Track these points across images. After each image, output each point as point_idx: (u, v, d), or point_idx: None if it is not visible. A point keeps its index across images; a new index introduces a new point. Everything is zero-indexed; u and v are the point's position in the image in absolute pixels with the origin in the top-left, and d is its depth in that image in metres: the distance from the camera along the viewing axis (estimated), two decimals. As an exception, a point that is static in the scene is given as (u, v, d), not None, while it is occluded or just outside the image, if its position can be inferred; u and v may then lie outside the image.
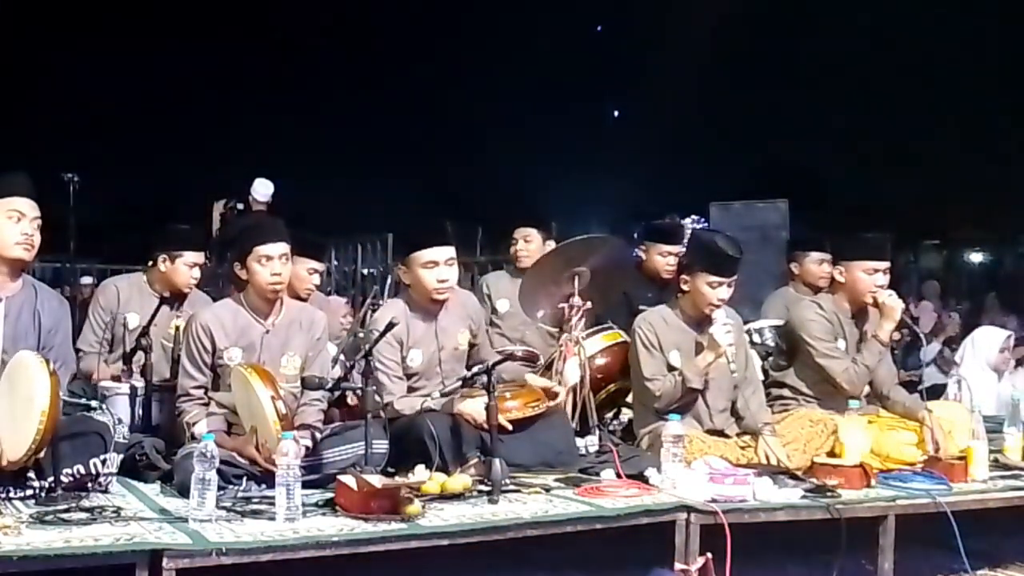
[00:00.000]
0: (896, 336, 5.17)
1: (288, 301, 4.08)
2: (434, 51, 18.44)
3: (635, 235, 5.62)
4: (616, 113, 20.36)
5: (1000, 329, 6.62)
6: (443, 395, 3.98)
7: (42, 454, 3.27)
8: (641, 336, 4.26)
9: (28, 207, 3.57)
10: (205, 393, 3.88)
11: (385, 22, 18.42)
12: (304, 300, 4.93)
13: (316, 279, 5.10)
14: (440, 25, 18.41)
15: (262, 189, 8.89)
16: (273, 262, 3.84)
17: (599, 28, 19.95)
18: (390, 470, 3.69)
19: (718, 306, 4.20)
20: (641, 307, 5.09)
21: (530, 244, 5.15)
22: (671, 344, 4.26)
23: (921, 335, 5.39)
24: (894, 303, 4.40)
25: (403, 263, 4.26)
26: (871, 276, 4.46)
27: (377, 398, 4.02)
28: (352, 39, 18.20)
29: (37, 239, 3.60)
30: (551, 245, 5.16)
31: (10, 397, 3.30)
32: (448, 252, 4.16)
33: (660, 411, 4.17)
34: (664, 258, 5.37)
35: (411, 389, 4.17)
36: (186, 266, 4.73)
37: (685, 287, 4.26)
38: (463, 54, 18.13)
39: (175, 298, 4.72)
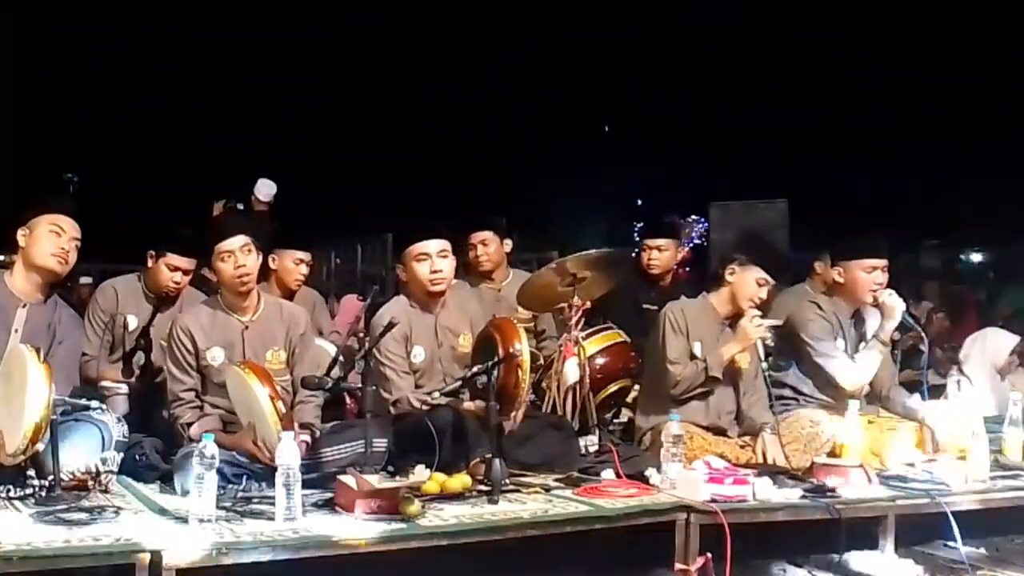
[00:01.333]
0: (896, 336, 5.17)
1: (266, 296, 4.08)
2: (433, 52, 18.45)
3: (635, 235, 5.63)
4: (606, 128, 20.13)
5: (1011, 334, 6.56)
6: (443, 395, 3.98)
7: (40, 447, 3.27)
8: (671, 320, 4.29)
9: (70, 226, 3.85)
10: (197, 396, 3.88)
11: (382, 23, 18.42)
12: (294, 292, 4.95)
13: (304, 269, 5.10)
14: (439, 27, 18.42)
15: (265, 189, 8.87)
16: (234, 256, 3.84)
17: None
18: (390, 469, 3.70)
19: (756, 304, 4.22)
20: (645, 306, 5.11)
21: (489, 247, 5.09)
22: (696, 335, 4.29)
23: (924, 336, 5.39)
24: (895, 302, 4.40)
25: (400, 260, 4.28)
26: (870, 274, 4.46)
27: (385, 395, 4.04)
28: (353, 40, 18.21)
29: (72, 257, 3.86)
30: (509, 244, 5.17)
31: (6, 390, 3.32)
32: (440, 244, 4.18)
33: (675, 397, 4.18)
34: (646, 252, 5.38)
35: (415, 386, 4.18)
36: (167, 267, 4.61)
37: (731, 277, 4.26)
38: (462, 56, 18.13)
39: (171, 298, 4.68)
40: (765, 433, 4.20)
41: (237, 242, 3.86)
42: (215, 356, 3.85)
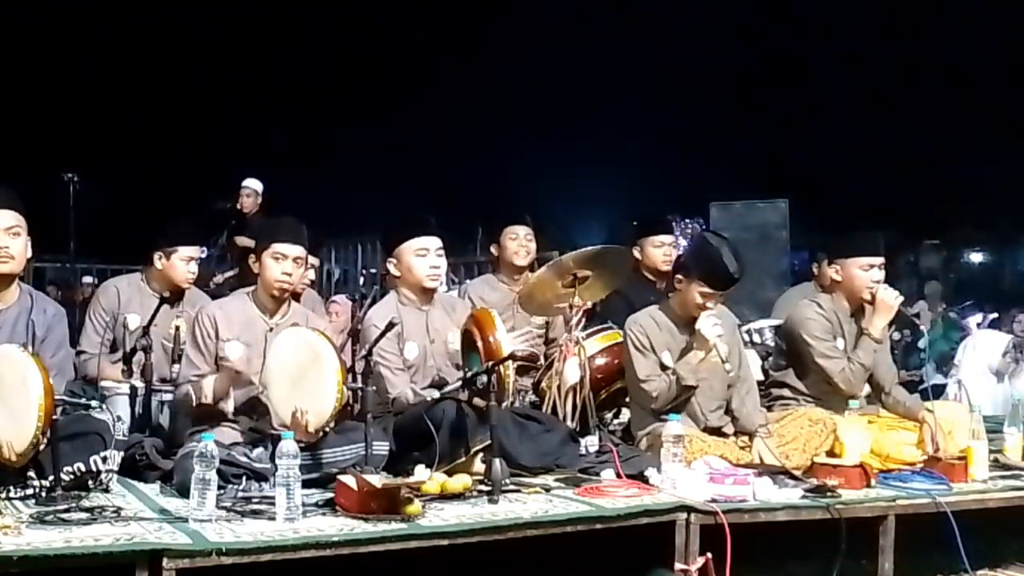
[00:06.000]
0: (896, 336, 5.17)
1: (295, 306, 4.13)
2: (432, 50, 18.44)
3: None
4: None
5: (1001, 334, 6.63)
6: (443, 395, 3.98)
7: (43, 446, 3.27)
8: (633, 338, 4.25)
9: (4, 218, 3.58)
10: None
11: (384, 23, 18.41)
12: (299, 295, 4.97)
13: (311, 274, 5.11)
14: (438, 25, 18.42)
15: (252, 187, 8.89)
16: (286, 262, 3.89)
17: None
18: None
19: (705, 310, 4.17)
20: (641, 308, 5.09)
21: (531, 242, 5.12)
22: (662, 345, 4.25)
23: (921, 326, 5.43)
24: (888, 297, 4.39)
25: (392, 256, 4.29)
26: (867, 272, 4.46)
27: (388, 393, 4.05)
28: (351, 40, 18.20)
29: (16, 248, 3.60)
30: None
31: (1, 392, 3.30)
32: (437, 243, 4.26)
33: (657, 411, 4.17)
34: (659, 248, 5.35)
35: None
36: (182, 260, 4.71)
37: (679, 286, 4.25)
38: (461, 53, 18.13)
39: (174, 297, 4.71)
40: (759, 436, 4.20)
41: (294, 251, 3.92)
42: (233, 350, 3.85)
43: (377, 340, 3.92)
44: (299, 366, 3.61)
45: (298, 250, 3.93)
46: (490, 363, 3.69)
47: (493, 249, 5.21)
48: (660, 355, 4.24)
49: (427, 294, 4.29)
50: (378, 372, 4.06)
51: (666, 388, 4.16)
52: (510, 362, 3.84)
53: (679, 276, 4.25)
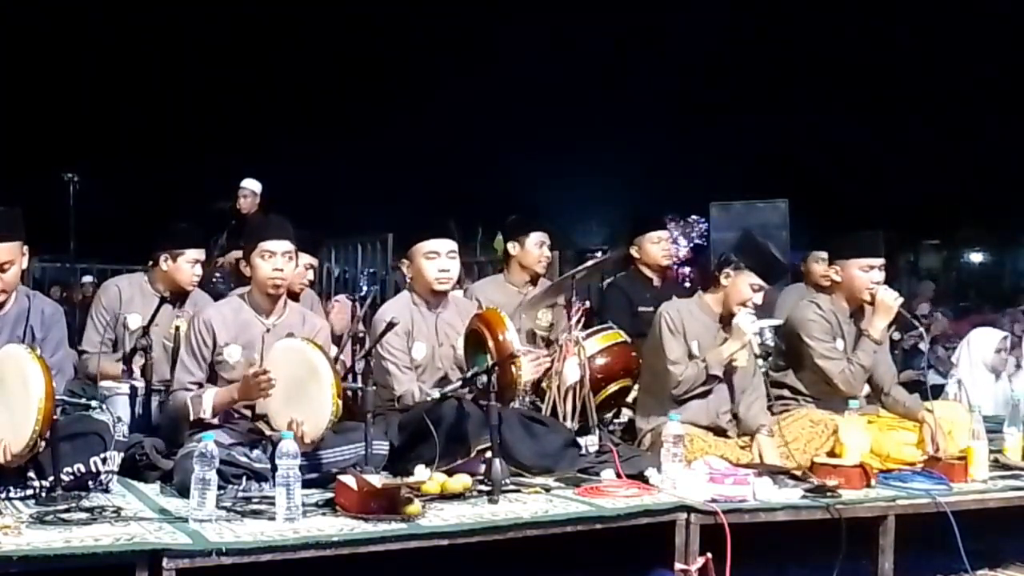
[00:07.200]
0: (896, 336, 5.16)
1: (292, 305, 4.11)
2: (432, 50, 18.46)
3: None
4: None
5: (996, 330, 6.65)
6: (443, 395, 3.98)
7: (42, 447, 3.27)
8: (667, 321, 4.30)
9: None
10: (199, 389, 3.89)
11: (384, 23, 18.42)
12: (298, 294, 4.97)
13: (310, 274, 5.12)
14: (438, 26, 18.43)
15: (251, 187, 8.88)
16: (276, 258, 3.87)
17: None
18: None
19: (747, 306, 4.24)
20: (641, 308, 5.10)
21: (548, 251, 5.13)
22: (693, 334, 4.30)
23: (922, 330, 5.44)
24: (887, 298, 4.39)
25: (406, 256, 4.29)
26: (867, 273, 4.47)
27: (393, 390, 4.06)
28: (351, 40, 18.21)
29: (8, 280, 3.53)
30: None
31: (2, 392, 3.29)
32: (449, 245, 4.25)
33: (676, 398, 4.21)
34: (657, 244, 5.37)
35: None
36: (188, 263, 4.74)
37: (725, 281, 4.28)
38: (461, 54, 18.14)
39: (176, 297, 4.72)
40: (761, 435, 4.20)
41: (281, 246, 3.90)
42: (232, 353, 3.87)
43: (379, 339, 3.93)
44: (295, 379, 3.59)
45: (285, 245, 3.91)
46: (491, 363, 3.70)
47: (512, 249, 5.17)
48: (690, 343, 4.29)
49: (438, 296, 4.29)
50: (383, 368, 4.08)
51: (693, 374, 4.22)
52: (520, 361, 3.84)
53: (726, 271, 4.29)
